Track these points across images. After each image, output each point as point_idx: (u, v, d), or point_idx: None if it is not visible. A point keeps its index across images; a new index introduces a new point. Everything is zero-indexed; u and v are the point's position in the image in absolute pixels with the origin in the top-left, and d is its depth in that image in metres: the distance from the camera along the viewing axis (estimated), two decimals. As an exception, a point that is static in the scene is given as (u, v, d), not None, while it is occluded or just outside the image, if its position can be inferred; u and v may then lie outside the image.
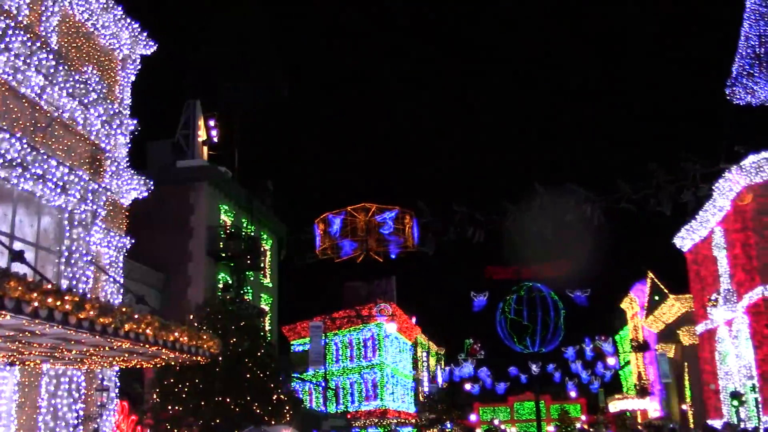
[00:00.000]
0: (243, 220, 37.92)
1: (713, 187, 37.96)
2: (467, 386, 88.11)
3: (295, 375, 50.47)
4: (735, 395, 37.23)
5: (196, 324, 22.53)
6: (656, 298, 57.36)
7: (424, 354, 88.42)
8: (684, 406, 54.65)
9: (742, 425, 34.91)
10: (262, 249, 39.54)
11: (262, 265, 38.74)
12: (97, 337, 9.64)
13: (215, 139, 37.85)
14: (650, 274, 58.41)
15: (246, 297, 34.70)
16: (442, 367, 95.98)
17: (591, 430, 73.19)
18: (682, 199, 39.59)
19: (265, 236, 41.14)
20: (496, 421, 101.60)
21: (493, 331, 51.72)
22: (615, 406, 77.05)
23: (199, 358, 12.67)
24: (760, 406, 35.82)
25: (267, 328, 38.16)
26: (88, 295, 12.69)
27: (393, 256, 35.66)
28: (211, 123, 38.01)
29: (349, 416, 57.91)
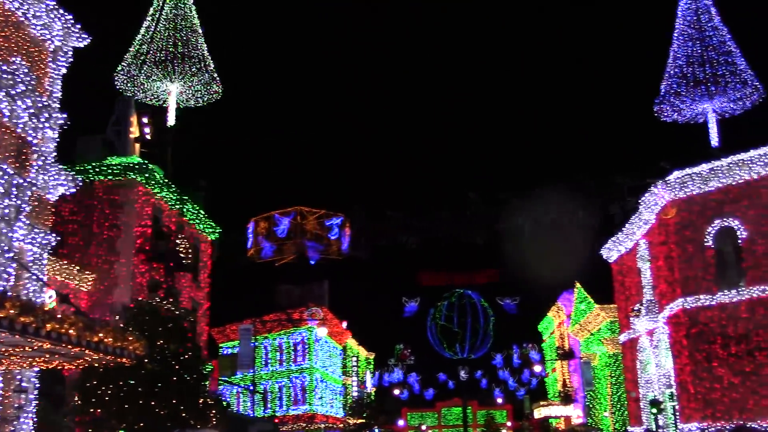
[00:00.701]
0: (174, 220, 37.28)
1: (639, 201, 39.11)
2: (396, 391, 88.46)
3: (223, 378, 49.77)
4: (654, 403, 38.39)
5: (122, 325, 22.03)
6: (582, 307, 58.77)
7: (354, 359, 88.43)
8: (606, 413, 56.04)
9: (660, 432, 36.04)
10: (193, 249, 38.92)
11: (192, 265, 38.12)
12: (17, 336, 9.34)
13: (148, 137, 37.04)
14: (577, 284, 59.81)
15: (174, 299, 34.08)
16: (372, 372, 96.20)
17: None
18: (610, 212, 40.67)
19: (197, 237, 40.54)
20: (423, 427, 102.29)
21: (424, 336, 52.15)
22: (540, 412, 78.52)
23: (124, 360, 12.40)
24: (677, 414, 37.04)
25: (196, 331, 37.56)
26: (9, 293, 12.28)
27: (312, 262, 35.67)
28: (145, 120, 37.21)
29: (276, 420, 57.40)
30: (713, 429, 30.96)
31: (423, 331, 51.43)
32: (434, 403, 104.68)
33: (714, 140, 42.53)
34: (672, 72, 43.05)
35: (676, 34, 43.87)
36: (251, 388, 49.61)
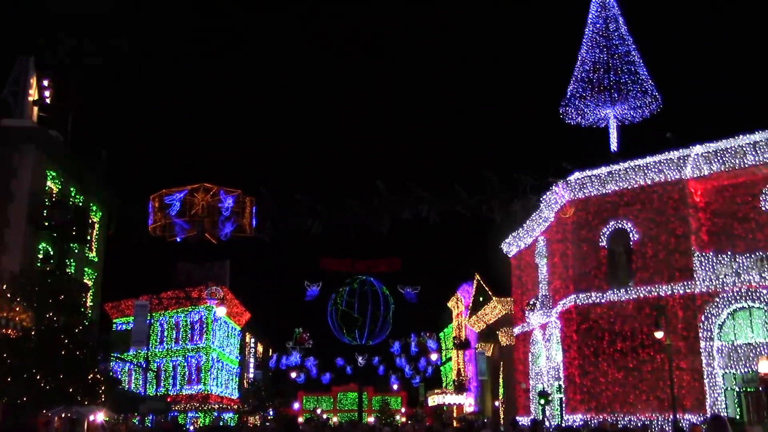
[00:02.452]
0: (71, 189, 35.88)
1: (540, 200, 40.23)
2: (293, 375, 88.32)
3: (115, 355, 48.43)
4: (543, 394, 39.78)
5: (9, 295, 21.11)
6: (480, 299, 60.13)
7: (253, 340, 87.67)
8: (496, 403, 57.63)
9: (546, 423, 37.33)
10: (90, 221, 37.60)
11: (88, 237, 36.83)
12: None
13: (48, 100, 35.40)
14: (477, 276, 61.12)
15: (68, 270, 32.88)
16: (270, 354, 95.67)
17: (409, 422, 75.49)
18: (511, 208, 41.65)
19: (94, 208, 39.15)
20: (318, 410, 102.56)
21: (323, 321, 52.20)
22: (434, 400, 79.98)
23: (9, 332, 11.92)
24: (563, 405, 38.51)
25: (88, 304, 36.35)
26: None
27: (224, 237, 35.03)
28: (45, 83, 35.54)
29: (169, 399, 56.37)
30: (596, 421, 32.27)
31: (323, 315, 51.47)
32: (330, 388, 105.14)
33: (613, 145, 44.15)
34: (579, 76, 44.38)
35: (585, 40, 45.23)
36: (144, 365, 48.49)
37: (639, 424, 31.56)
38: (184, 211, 35.98)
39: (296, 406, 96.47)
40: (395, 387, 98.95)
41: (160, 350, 68.76)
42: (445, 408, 77.55)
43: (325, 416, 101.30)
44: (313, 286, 51.56)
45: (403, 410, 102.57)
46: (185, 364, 68.19)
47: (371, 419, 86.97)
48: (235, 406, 72.49)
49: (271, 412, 76.07)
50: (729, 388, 32.33)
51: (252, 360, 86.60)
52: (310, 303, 52.39)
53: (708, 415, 30.10)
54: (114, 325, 67.15)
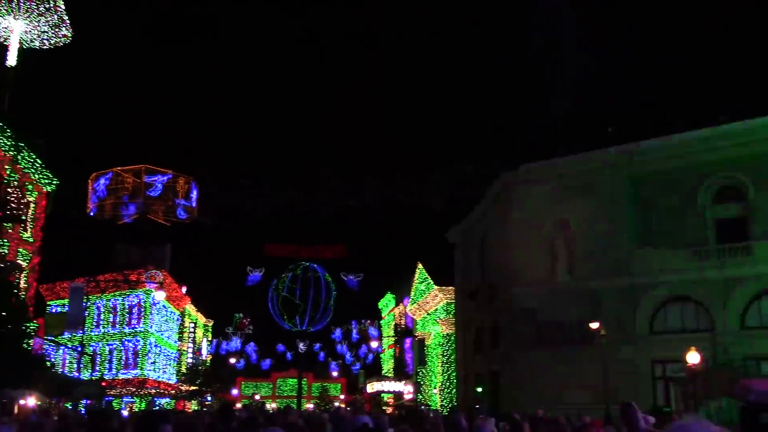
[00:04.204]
0: (7, 168, 34.84)
1: (486, 189, 40.70)
2: (232, 360, 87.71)
3: (49, 338, 47.33)
4: (479, 382, 40.32)
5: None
6: (422, 288, 60.55)
7: (192, 325, 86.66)
8: (435, 390, 58.22)
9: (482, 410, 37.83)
10: (26, 200, 36.61)
11: (23, 217, 35.85)
12: None
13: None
14: (420, 265, 61.49)
15: (0, 250, 31.96)
16: (209, 339, 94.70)
17: (348, 408, 75.70)
18: (457, 198, 42.07)
19: (30, 187, 38.12)
20: (257, 396, 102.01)
21: (265, 307, 51.83)
22: (373, 387, 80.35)
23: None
24: (500, 393, 39.09)
25: (22, 285, 35.44)
26: None
27: (182, 216, 34.50)
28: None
29: (103, 384, 55.31)
30: (529, 409, 32.80)
31: (264, 301, 51.10)
32: (270, 374, 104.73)
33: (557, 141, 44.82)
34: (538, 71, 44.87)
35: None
36: (79, 349, 47.50)
37: (573, 413, 32.20)
38: (124, 192, 35.34)
39: (235, 392, 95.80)
40: (335, 374, 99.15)
41: (96, 334, 67.46)
42: (383, 395, 78.06)
43: (268, 405, 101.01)
44: (255, 271, 51.16)
45: (342, 397, 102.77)
46: (122, 348, 67.06)
47: (310, 405, 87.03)
48: (173, 391, 71.60)
49: (208, 398, 75.36)
50: (659, 378, 33.30)
51: (191, 345, 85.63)
52: (252, 288, 52.03)
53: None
54: (48, 307, 65.54)
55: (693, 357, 28.12)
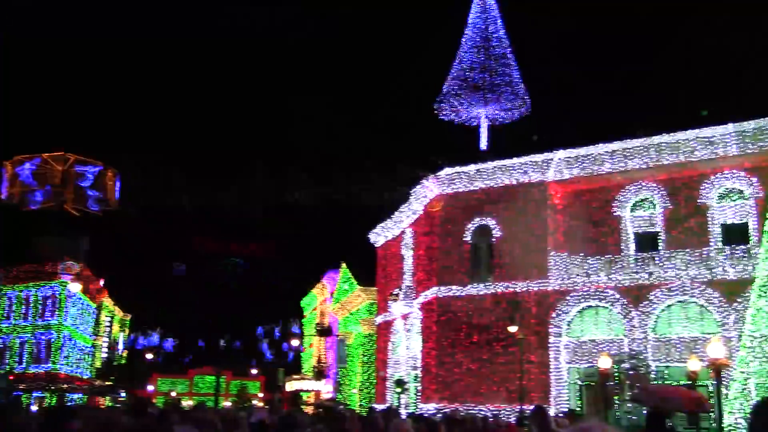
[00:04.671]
0: None
1: (411, 192, 41.01)
2: (149, 356, 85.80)
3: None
4: (399, 383, 40.59)
5: None
6: (345, 287, 60.54)
7: (108, 319, 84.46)
8: (354, 390, 58.29)
9: (401, 411, 38.13)
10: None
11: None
12: None
13: None
14: (344, 265, 61.47)
15: None
16: (126, 334, 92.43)
17: (266, 406, 75.05)
18: (383, 199, 42.25)
19: (-61, 170, 36.42)
20: (173, 393, 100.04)
21: (187, 302, 51.01)
22: (292, 385, 79.93)
23: None
24: (418, 394, 39.50)
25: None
26: None
27: (87, 212, 33.51)
28: None
29: (11, 378, 53.38)
30: (448, 410, 33.27)
31: (187, 296, 50.27)
32: (187, 370, 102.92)
33: (483, 144, 45.56)
34: (455, 74, 45.49)
35: (464, 40, 46.39)
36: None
37: (489, 414, 32.81)
38: (41, 179, 34.12)
39: (150, 388, 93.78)
40: (254, 371, 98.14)
41: (6, 326, 65.06)
42: (303, 394, 77.75)
43: (184, 402, 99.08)
44: (180, 265, 50.31)
45: (260, 395, 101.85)
46: (34, 341, 64.82)
47: (227, 403, 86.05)
48: (86, 387, 69.61)
49: (122, 394, 73.61)
50: (572, 382, 34.24)
51: (106, 339, 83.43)
52: (175, 283, 51.16)
53: (548, 407, 31.70)
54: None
55: (605, 362, 29.00)
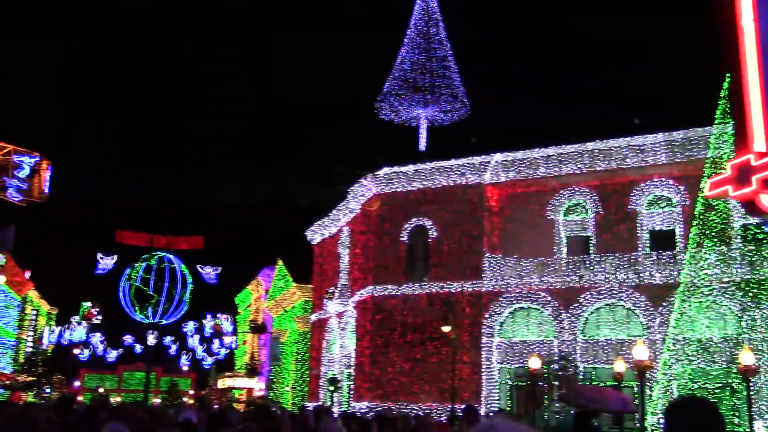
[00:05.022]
0: None
1: (348, 190, 40.99)
2: (76, 351, 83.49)
3: None
4: (332, 381, 40.54)
5: None
6: (281, 284, 60.15)
7: (34, 312, 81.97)
8: (287, 388, 57.99)
9: (334, 409, 38.11)
10: None
11: None
12: None
13: None
14: (280, 262, 61.08)
15: None
16: (52, 328, 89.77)
17: (197, 403, 73.93)
18: (320, 197, 42.13)
19: None
20: (101, 390, 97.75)
21: (115, 296, 49.82)
22: (224, 383, 79.10)
23: None
24: (352, 392, 39.51)
25: None
26: None
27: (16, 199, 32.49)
28: None
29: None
30: (380, 408, 33.39)
31: (115, 290, 49.06)
32: (116, 366, 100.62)
33: (422, 145, 45.86)
34: (396, 75, 45.67)
35: (406, 40, 46.61)
36: None
37: (421, 413, 33.04)
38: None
39: (77, 384, 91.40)
40: (185, 368, 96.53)
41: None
42: (234, 392, 76.95)
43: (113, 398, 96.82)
44: (107, 258, 49.10)
45: (191, 392, 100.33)
46: (-47, 333, 62.49)
47: (157, 400, 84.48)
48: (8, 382, 67.41)
49: (47, 390, 71.55)
50: (503, 382, 34.76)
51: (31, 333, 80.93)
52: (103, 276, 49.89)
53: (479, 406, 32.12)
54: None
55: (535, 362, 29.51)
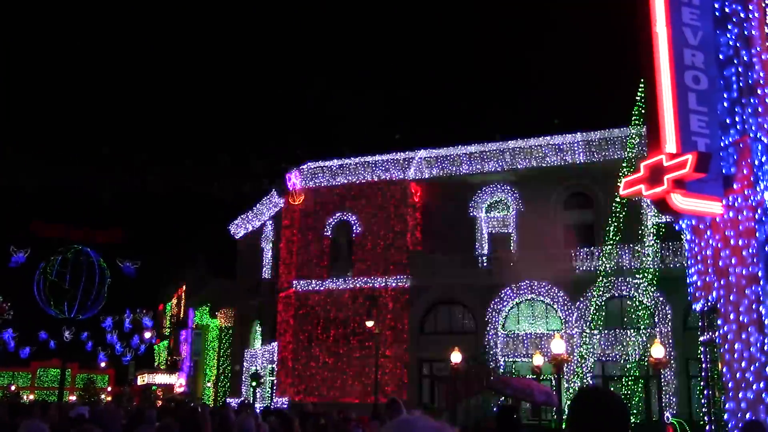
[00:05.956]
0: None
1: (272, 184, 40.70)
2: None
3: None
4: (255, 376, 40.24)
5: None
6: (203, 278, 59.29)
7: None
8: (209, 384, 57.22)
9: (256, 404, 37.82)
10: None
11: None
12: None
13: None
14: (201, 257, 60.24)
15: None
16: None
17: (114, 400, 72.20)
18: (243, 191, 41.68)
19: None
20: (13, 387, 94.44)
21: (28, 290, 48.08)
22: (144, 379, 77.38)
23: None
24: (274, 387, 39.29)
25: None
26: None
27: None
28: None
29: None
30: (303, 403, 33.31)
31: (28, 285, 47.35)
32: (29, 363, 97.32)
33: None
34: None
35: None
36: None
37: (344, 408, 33.12)
38: None
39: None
40: (103, 364, 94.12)
41: None
42: (154, 388, 75.46)
43: (25, 396, 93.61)
44: (19, 252, 47.35)
45: (109, 389, 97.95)
46: None
47: (73, 397, 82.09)
48: None
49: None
50: (425, 376, 35.17)
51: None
52: (15, 270, 48.07)
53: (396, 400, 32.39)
54: None
55: (456, 356, 29.97)
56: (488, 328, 33.90)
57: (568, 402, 18.06)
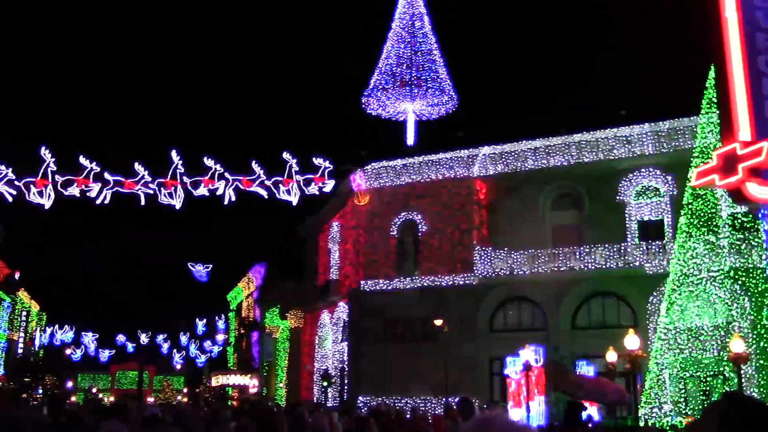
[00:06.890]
0: None
1: (337, 186, 40.94)
2: (68, 351, 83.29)
3: None
4: (326, 376, 40.62)
5: None
6: (272, 281, 60.14)
7: (25, 313, 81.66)
8: (280, 385, 58.01)
9: (328, 404, 38.16)
10: None
11: None
12: None
13: None
14: (270, 259, 61.08)
15: None
16: (43, 328, 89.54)
17: (190, 402, 73.79)
18: (308, 192, 42.03)
19: None
20: (94, 390, 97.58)
21: (105, 294, 49.66)
22: (218, 380, 78.91)
23: None
24: (345, 387, 39.56)
25: None
26: None
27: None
28: None
29: None
30: (374, 402, 33.45)
31: (106, 289, 48.90)
32: (109, 366, 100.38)
33: (410, 139, 45.82)
34: (383, 69, 45.57)
35: (391, 34, 46.48)
36: None
37: (416, 406, 33.12)
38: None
39: (69, 384, 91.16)
40: (178, 367, 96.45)
41: None
42: (228, 389, 76.91)
43: (102, 396, 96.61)
44: (199, 266, 48.83)
45: (185, 390, 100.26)
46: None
47: (151, 399, 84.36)
48: (0, 384, 67.17)
49: (40, 391, 71.34)
50: (496, 373, 34.86)
51: (22, 334, 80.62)
52: (92, 274, 49.74)
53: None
54: None
55: (527, 354, 29.57)
56: (558, 325, 33.39)
57: (645, 399, 17.52)
